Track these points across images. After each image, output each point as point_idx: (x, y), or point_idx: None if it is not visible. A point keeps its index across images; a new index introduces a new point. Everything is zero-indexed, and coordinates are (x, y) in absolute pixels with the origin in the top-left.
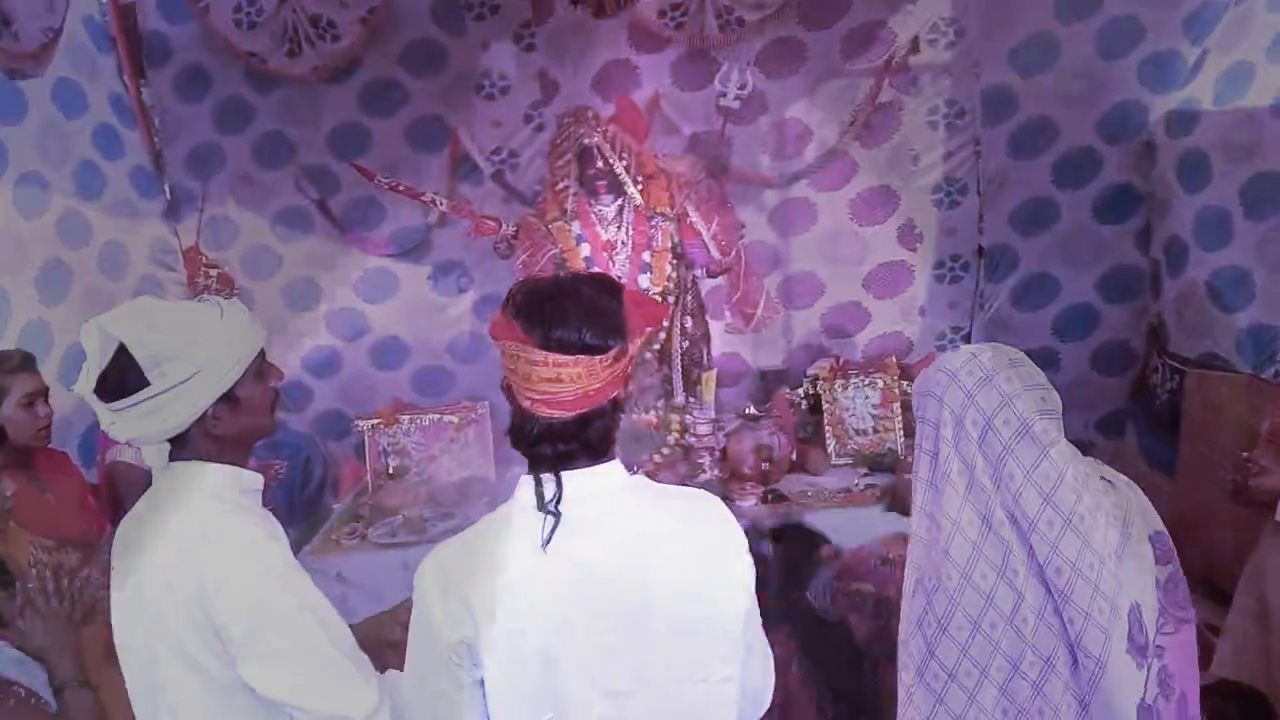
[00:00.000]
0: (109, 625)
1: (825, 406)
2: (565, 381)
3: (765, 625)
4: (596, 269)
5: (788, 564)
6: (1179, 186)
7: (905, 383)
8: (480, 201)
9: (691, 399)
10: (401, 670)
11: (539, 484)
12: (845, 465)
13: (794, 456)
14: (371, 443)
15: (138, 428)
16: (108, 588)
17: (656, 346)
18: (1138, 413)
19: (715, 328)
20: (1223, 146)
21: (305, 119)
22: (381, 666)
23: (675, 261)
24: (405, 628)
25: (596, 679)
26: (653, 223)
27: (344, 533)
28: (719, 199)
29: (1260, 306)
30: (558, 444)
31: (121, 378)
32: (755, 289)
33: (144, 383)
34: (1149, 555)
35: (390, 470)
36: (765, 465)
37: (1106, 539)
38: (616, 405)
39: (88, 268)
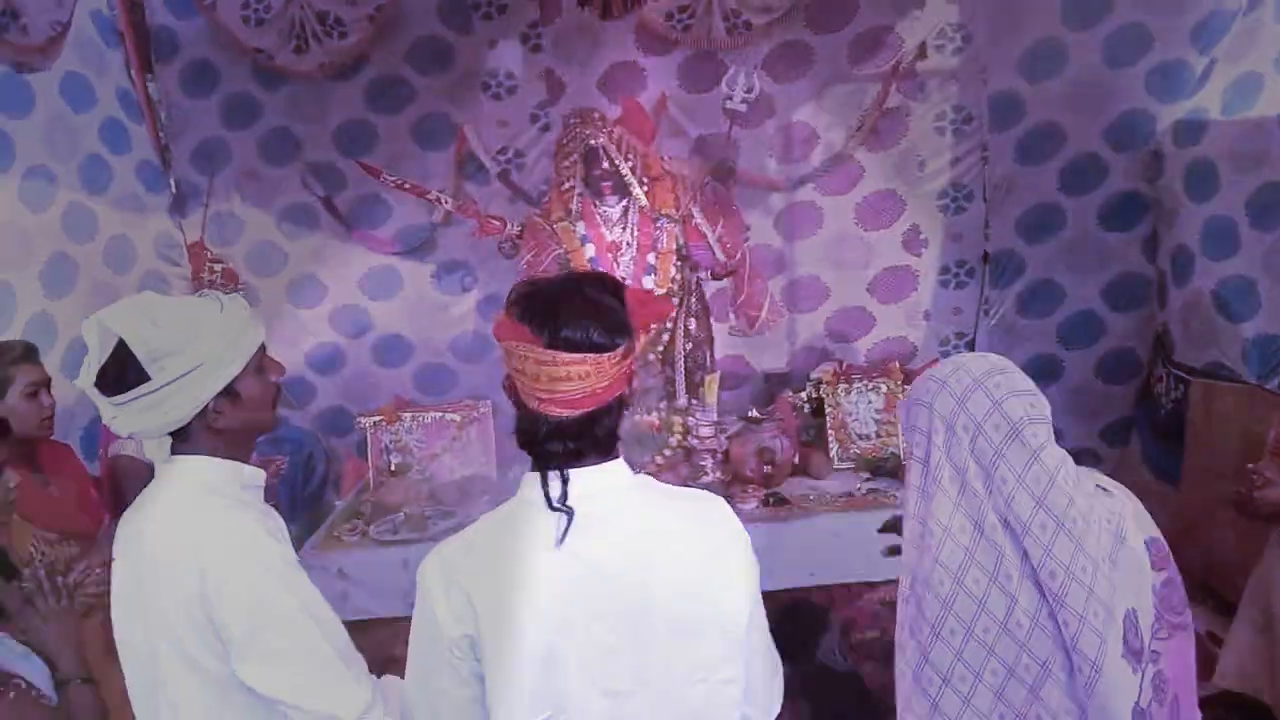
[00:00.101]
0: (109, 620)
1: (828, 410)
2: (574, 380)
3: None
4: (601, 270)
5: (796, 641)
6: (1186, 196)
7: (908, 388)
8: (485, 201)
9: (694, 401)
10: (401, 676)
11: (546, 482)
12: (847, 469)
13: (796, 460)
14: (374, 440)
15: (138, 422)
16: (109, 582)
17: (660, 348)
18: (1142, 421)
19: (719, 330)
20: (1230, 156)
21: (312, 116)
22: (379, 671)
23: (680, 263)
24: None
25: (596, 678)
26: (658, 224)
27: (345, 529)
28: (725, 202)
29: (1266, 317)
30: (567, 442)
31: (121, 372)
32: (760, 292)
33: (144, 377)
34: (1144, 560)
35: (392, 467)
36: (767, 468)
37: (1100, 542)
38: (622, 403)
39: (93, 261)
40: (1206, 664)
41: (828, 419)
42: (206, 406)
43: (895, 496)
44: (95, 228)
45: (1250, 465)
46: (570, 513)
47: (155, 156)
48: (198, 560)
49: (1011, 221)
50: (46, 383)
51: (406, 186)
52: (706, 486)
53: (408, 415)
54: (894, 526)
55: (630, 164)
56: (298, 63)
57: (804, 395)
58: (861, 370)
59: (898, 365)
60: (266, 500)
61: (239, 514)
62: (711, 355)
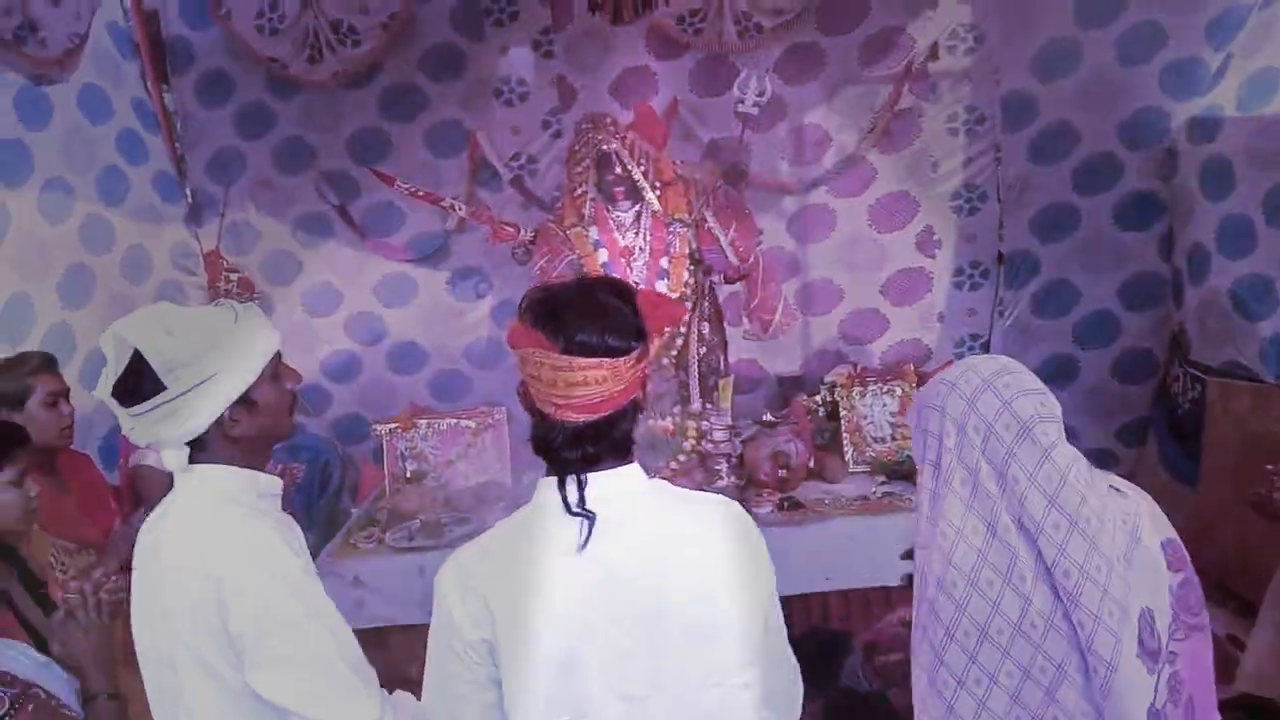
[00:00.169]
0: (128, 629)
1: (843, 414)
2: (591, 384)
3: None
4: (614, 275)
5: (819, 666)
6: (1201, 194)
7: (919, 391)
8: (499, 207)
9: (708, 405)
10: (417, 695)
11: (563, 487)
12: (863, 473)
13: (811, 464)
14: (389, 447)
15: (156, 431)
16: (123, 589)
17: (674, 352)
18: (1159, 422)
19: (733, 334)
20: (1246, 153)
21: (326, 124)
22: (392, 687)
23: (693, 267)
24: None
25: (613, 682)
26: (670, 229)
27: (361, 536)
28: (737, 205)
29: None
30: (585, 446)
31: (138, 382)
32: (773, 295)
33: (160, 387)
34: (1160, 560)
35: (408, 475)
36: (782, 472)
37: (1114, 541)
38: (636, 406)
39: (110, 272)
40: (1227, 667)
41: (842, 422)
42: (223, 415)
43: (911, 500)
44: (112, 239)
45: (1269, 466)
46: (592, 517)
47: (171, 167)
48: (213, 568)
49: (1026, 222)
50: (65, 392)
51: (420, 194)
52: (721, 491)
53: (423, 422)
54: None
55: (643, 169)
56: (311, 72)
57: (818, 399)
58: (876, 373)
59: (912, 368)
60: (283, 508)
61: (255, 522)
62: (725, 359)
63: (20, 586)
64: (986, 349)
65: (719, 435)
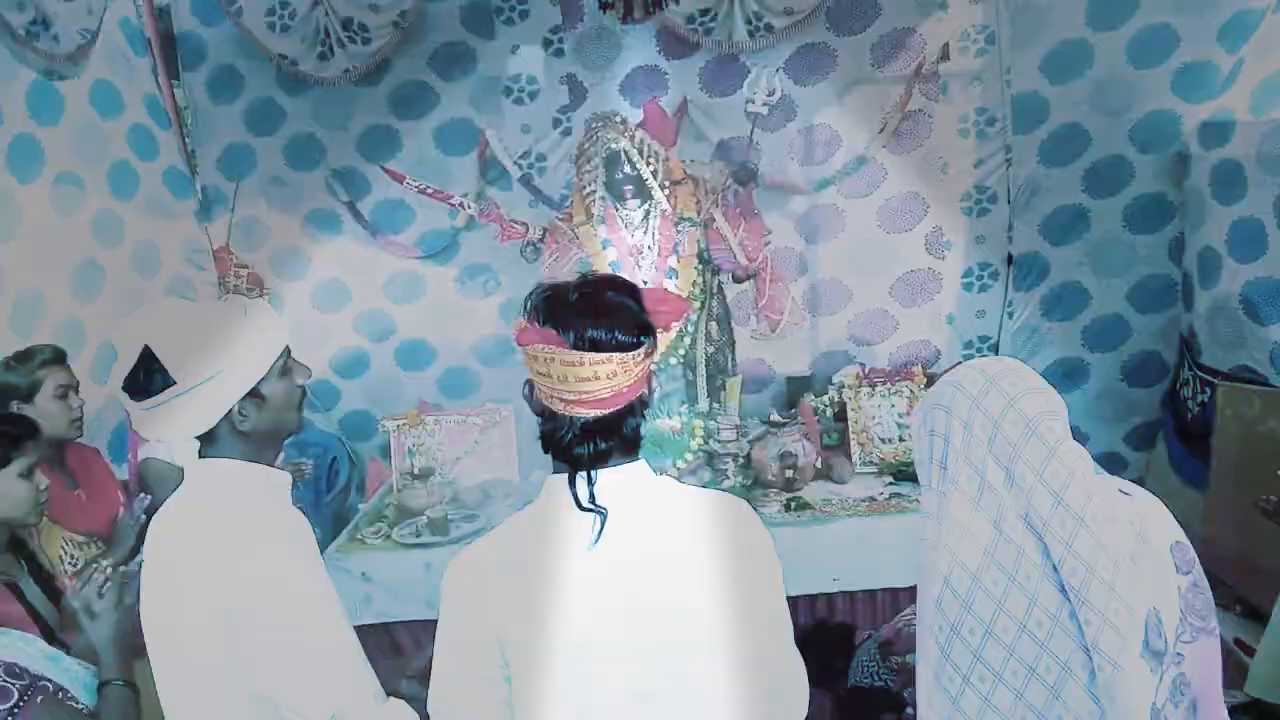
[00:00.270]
0: (137, 619)
1: (850, 414)
2: (601, 379)
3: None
4: (621, 274)
5: (826, 665)
6: (1213, 197)
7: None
8: (508, 205)
9: (716, 405)
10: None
11: (574, 482)
12: (870, 473)
13: (818, 464)
14: (397, 443)
15: (166, 425)
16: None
17: (682, 352)
18: (1169, 425)
19: (741, 334)
20: (1257, 157)
21: (336, 121)
22: (397, 681)
23: (701, 267)
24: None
25: (622, 678)
26: (679, 228)
27: (369, 532)
28: (746, 205)
29: None
30: (596, 442)
31: (148, 377)
32: (781, 295)
33: (169, 382)
34: (1169, 561)
35: (415, 471)
36: (789, 472)
37: (1121, 540)
38: (643, 402)
39: (120, 267)
40: (1237, 672)
41: (850, 423)
42: (232, 410)
43: (918, 500)
44: (123, 233)
45: (1279, 471)
46: (604, 513)
47: (182, 163)
48: (220, 561)
49: (1036, 224)
50: (75, 385)
51: (429, 191)
52: (728, 490)
53: (431, 419)
54: None
55: (652, 168)
56: (322, 69)
57: (826, 399)
58: (884, 374)
59: (920, 369)
60: (291, 503)
61: (264, 517)
62: (733, 359)
63: (30, 579)
64: (995, 351)
65: (726, 435)
